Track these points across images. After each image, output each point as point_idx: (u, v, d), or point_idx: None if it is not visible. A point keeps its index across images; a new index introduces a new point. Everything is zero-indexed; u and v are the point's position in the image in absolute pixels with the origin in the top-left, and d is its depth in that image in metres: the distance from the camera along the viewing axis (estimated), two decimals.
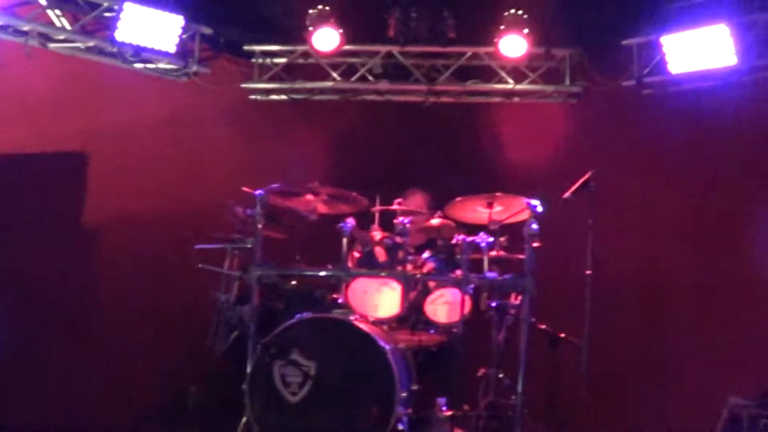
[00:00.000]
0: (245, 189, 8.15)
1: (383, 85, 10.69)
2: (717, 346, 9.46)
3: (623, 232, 9.94)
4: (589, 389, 8.03)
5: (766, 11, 8.99)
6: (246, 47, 10.72)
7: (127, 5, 9.25)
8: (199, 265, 8.35)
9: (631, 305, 10.12)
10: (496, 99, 10.89)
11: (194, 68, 10.21)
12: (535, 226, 7.33)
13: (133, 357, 9.44)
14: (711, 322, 9.56)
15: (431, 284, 8.33)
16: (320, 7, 9.81)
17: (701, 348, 9.57)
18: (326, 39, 9.88)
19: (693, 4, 9.25)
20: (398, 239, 8.25)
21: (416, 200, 9.24)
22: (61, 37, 9.68)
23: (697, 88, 9.62)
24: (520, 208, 8.03)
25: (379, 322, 8.00)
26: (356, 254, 8.35)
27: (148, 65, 10.10)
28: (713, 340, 9.50)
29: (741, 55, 9.01)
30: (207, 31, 10.21)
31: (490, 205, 8.45)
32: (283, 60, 10.79)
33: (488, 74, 10.71)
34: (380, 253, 8.38)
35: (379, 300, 8.17)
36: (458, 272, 7.98)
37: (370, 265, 8.27)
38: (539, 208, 7.35)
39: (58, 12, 9.56)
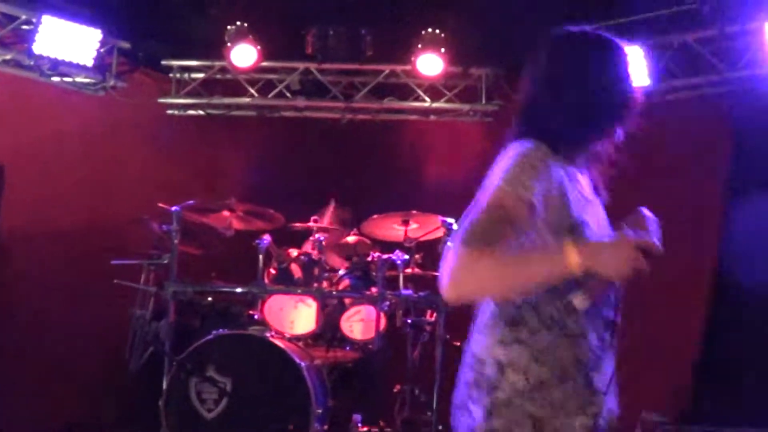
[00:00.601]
0: (161, 205, 8.16)
1: (301, 101, 10.72)
2: (632, 359, 9.59)
3: None
4: None
5: (679, 33, 9.17)
6: (164, 62, 10.68)
7: (45, 18, 9.18)
8: (115, 281, 8.33)
9: None
10: (413, 117, 11.00)
11: (111, 82, 10.13)
12: (450, 243, 7.41)
13: (46, 373, 9.34)
14: (624, 334, 9.70)
15: (347, 301, 8.41)
16: (238, 23, 9.85)
17: (616, 361, 9.70)
18: (244, 55, 9.92)
19: (607, 26, 9.41)
20: (314, 256, 8.31)
21: (333, 216, 9.30)
22: None
23: None
24: (436, 226, 8.15)
25: (295, 339, 8.08)
26: (272, 271, 8.39)
27: (66, 79, 10.02)
28: (628, 353, 9.63)
29: (654, 77, 9.19)
30: (125, 45, 10.15)
31: (405, 223, 8.58)
32: (200, 75, 10.79)
33: (405, 92, 10.81)
34: (296, 270, 8.44)
35: (295, 316, 8.25)
36: (374, 289, 8.07)
37: (286, 282, 8.31)
38: (454, 227, 7.44)
39: None
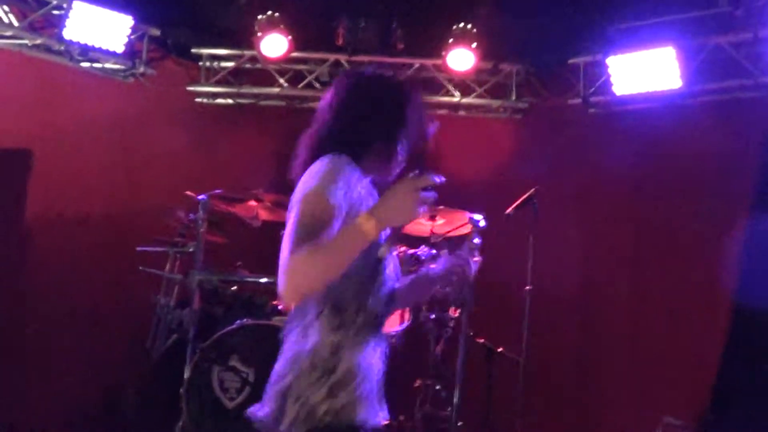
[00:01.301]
0: (188, 193, 8.19)
1: None
2: (653, 364, 9.60)
3: (564, 250, 10.05)
4: (525, 404, 8.15)
5: (713, 36, 9.14)
6: (194, 50, 10.74)
7: (76, 3, 9.24)
8: (141, 268, 8.38)
9: (570, 322, 10.24)
10: (442, 111, 10.95)
11: (141, 69, 10.20)
12: (477, 240, 7.38)
13: (70, 359, 9.37)
14: (648, 340, 9.70)
15: None
16: (269, 12, 9.89)
17: (638, 366, 9.71)
18: (274, 45, 9.97)
19: (640, 26, 9.40)
20: None
21: None
22: (8, 33, 9.60)
23: (642, 110, 9.77)
24: (462, 222, 8.15)
25: None
26: None
27: (95, 65, 10.08)
28: (649, 358, 9.64)
29: (686, 79, 9.18)
30: (155, 32, 10.21)
31: (432, 218, 8.58)
32: (230, 64, 10.83)
33: (435, 87, 10.78)
34: None
35: None
36: None
37: None
38: (482, 223, 7.43)
39: (5, 8, 9.50)
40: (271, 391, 3.87)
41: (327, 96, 4.14)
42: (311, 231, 3.59)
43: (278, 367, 3.93)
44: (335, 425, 3.71)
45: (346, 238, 3.55)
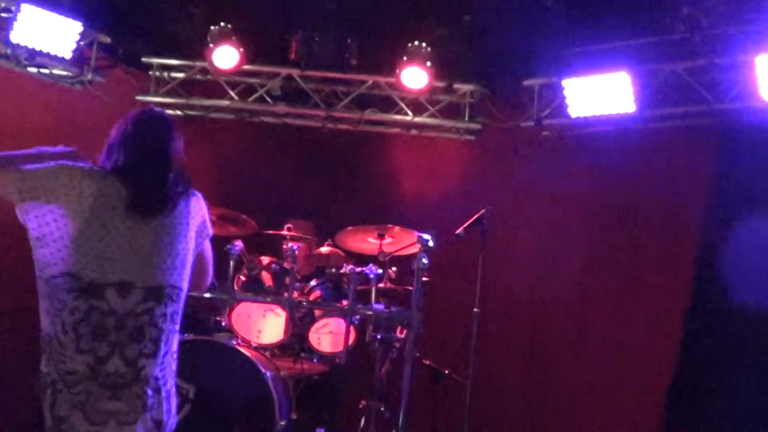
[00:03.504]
0: None
1: (281, 107, 10.65)
2: (602, 389, 9.63)
3: (514, 272, 10.08)
4: (471, 428, 8.11)
5: (668, 62, 9.19)
6: (144, 59, 10.67)
7: (24, 6, 9.10)
8: None
9: (518, 345, 10.26)
10: (394, 130, 10.98)
11: (89, 76, 10.07)
12: (425, 260, 7.36)
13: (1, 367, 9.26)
14: (596, 365, 9.73)
15: (317, 313, 8.37)
16: (222, 24, 9.83)
17: (586, 389, 9.74)
18: (226, 57, 9.90)
19: (596, 50, 9.42)
20: (286, 265, 8.27)
21: (298, 229, 9.22)
22: None
23: (595, 133, 9.80)
24: (411, 242, 8.11)
25: (261, 348, 8.04)
26: (242, 278, 8.35)
27: (43, 70, 9.95)
28: (598, 383, 9.67)
29: (640, 103, 9.21)
30: (105, 39, 10.08)
31: (381, 237, 8.54)
32: (180, 75, 10.76)
33: (388, 104, 10.77)
34: (267, 278, 8.41)
35: (263, 325, 8.22)
36: (345, 302, 8.03)
37: (255, 290, 8.28)
38: (431, 243, 7.41)
39: None
40: None
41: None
42: None
43: None
44: None
45: None
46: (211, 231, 4.77)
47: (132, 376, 4.22)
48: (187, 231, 4.52)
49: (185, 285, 4.50)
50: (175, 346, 4.49)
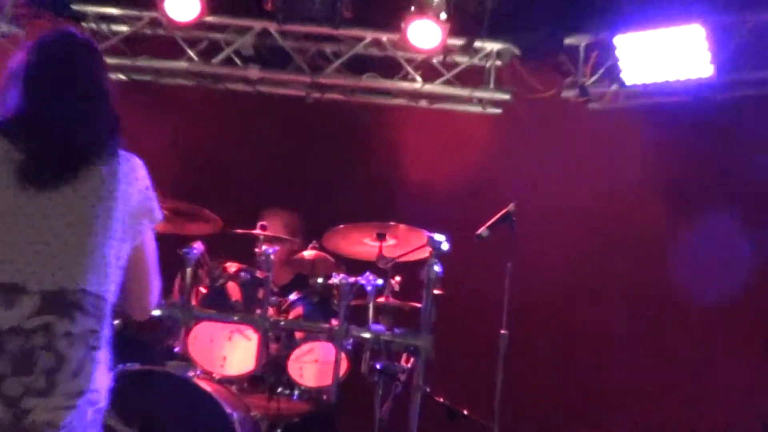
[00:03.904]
0: None
1: (254, 71, 10.50)
2: (644, 418, 9.66)
3: (548, 281, 10.00)
4: None
5: (753, 12, 9.09)
6: (75, 7, 10.54)
7: None
8: None
9: (555, 376, 10.21)
10: (399, 101, 10.94)
11: (4, 28, 10.03)
12: (437, 268, 7.29)
13: None
14: (645, 398, 9.75)
15: (298, 335, 8.25)
16: None
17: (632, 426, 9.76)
18: (183, 7, 9.78)
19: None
20: (259, 274, 8.15)
21: (277, 224, 9.13)
22: None
23: (659, 105, 9.74)
24: (420, 244, 8.00)
25: (227, 381, 7.90)
26: (202, 290, 8.18)
27: None
28: (642, 416, 9.69)
29: (717, 66, 9.10)
30: None
31: (381, 237, 8.41)
32: (124, 28, 10.67)
33: (391, 68, 10.70)
34: (234, 290, 8.28)
35: (229, 352, 8.06)
36: (334, 322, 7.89)
37: (219, 305, 8.11)
38: (444, 246, 7.32)
39: None
40: None
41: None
42: None
43: None
44: None
45: None
46: (158, 215, 4.26)
47: (11, 424, 3.71)
48: (113, 212, 4.00)
49: (110, 293, 4.02)
50: (101, 383, 4.02)
